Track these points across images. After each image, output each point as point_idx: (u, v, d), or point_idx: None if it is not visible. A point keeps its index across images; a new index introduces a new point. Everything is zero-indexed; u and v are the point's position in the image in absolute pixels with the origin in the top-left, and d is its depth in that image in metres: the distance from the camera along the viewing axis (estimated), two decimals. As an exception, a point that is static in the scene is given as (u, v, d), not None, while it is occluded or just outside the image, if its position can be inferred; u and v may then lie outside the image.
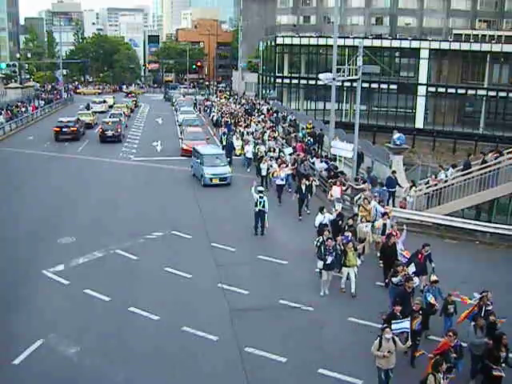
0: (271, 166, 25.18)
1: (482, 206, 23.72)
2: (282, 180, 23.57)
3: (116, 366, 11.36)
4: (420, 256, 14.27)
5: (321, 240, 15.02)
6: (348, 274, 14.73)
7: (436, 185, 22.38)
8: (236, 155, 31.96)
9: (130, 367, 11.33)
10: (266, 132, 35.00)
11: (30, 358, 11.55)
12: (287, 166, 25.05)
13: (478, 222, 20.77)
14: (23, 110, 56.73)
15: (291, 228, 20.59)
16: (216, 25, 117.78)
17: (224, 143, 33.83)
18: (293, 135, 35.13)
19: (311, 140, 33.64)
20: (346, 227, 16.48)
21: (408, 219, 20.12)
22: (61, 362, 11.46)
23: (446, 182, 22.56)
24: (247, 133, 35.22)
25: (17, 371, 11.12)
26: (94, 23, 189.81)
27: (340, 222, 17.49)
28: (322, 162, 26.69)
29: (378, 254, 16.58)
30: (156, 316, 13.38)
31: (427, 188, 22.59)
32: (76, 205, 23.59)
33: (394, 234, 15.75)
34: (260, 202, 19.25)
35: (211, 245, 18.49)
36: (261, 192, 19.63)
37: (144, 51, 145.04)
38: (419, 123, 55.27)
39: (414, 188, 22.49)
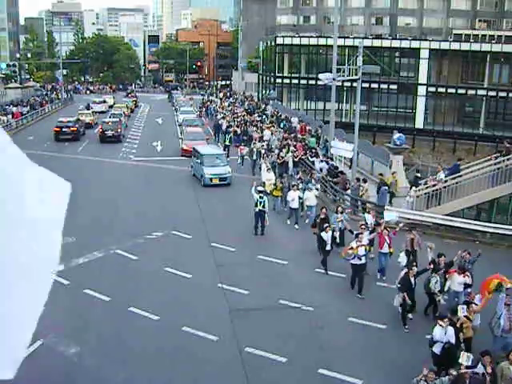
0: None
1: (481, 205, 23.72)
2: (361, 259, 15.40)
3: (116, 366, 11.35)
4: None
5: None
6: None
7: (435, 185, 22.39)
8: (267, 193, 21.45)
9: (130, 367, 11.33)
10: (291, 149, 27.99)
11: (30, 358, 11.52)
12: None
13: (478, 222, 20.77)
14: (3, 119, 47.56)
15: (291, 228, 20.58)
16: (216, 25, 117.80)
17: (227, 143, 33.83)
18: (292, 135, 35.13)
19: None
20: None
21: (408, 219, 20.12)
22: (61, 362, 11.46)
23: (445, 181, 22.57)
24: (265, 153, 27.76)
25: (16, 371, 11.07)
26: (93, 23, 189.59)
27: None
28: (321, 161, 26.68)
29: None
30: (156, 316, 13.36)
31: (427, 188, 22.61)
32: (76, 205, 23.38)
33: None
34: (260, 202, 19.28)
35: (211, 245, 18.48)
36: (261, 192, 19.66)
37: (144, 51, 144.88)
38: (419, 123, 55.19)
39: (413, 188, 22.51)
